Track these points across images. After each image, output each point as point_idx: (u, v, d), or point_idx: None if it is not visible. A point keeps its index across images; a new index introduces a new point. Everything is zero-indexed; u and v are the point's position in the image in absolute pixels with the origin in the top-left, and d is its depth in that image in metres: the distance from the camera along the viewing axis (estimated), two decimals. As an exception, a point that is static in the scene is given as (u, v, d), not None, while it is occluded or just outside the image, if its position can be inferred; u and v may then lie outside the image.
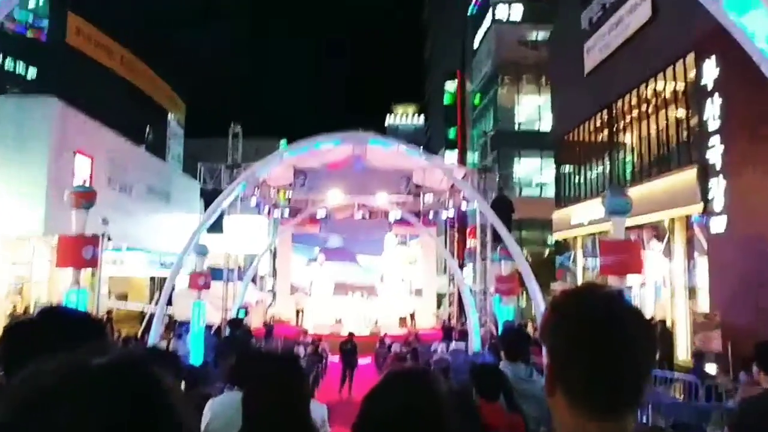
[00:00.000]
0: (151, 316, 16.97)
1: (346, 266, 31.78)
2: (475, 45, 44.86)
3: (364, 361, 21.73)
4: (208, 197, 19.44)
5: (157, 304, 16.24)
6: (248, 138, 28.59)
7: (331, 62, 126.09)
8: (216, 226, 18.19)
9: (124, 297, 27.38)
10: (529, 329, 18.49)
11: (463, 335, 23.02)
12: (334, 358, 21.14)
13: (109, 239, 18.69)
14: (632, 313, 1.33)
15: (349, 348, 18.64)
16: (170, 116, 44.11)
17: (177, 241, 21.14)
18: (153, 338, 13.09)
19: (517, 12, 39.85)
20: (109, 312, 22.28)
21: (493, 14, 40.20)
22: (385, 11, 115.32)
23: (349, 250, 31.95)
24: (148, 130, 38.45)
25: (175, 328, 20.90)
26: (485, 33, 41.97)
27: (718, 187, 15.81)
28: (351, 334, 19.88)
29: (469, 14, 47.77)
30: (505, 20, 39.73)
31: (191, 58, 49.78)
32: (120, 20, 36.84)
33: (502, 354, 5.32)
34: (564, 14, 28.70)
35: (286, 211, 29.59)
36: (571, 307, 1.36)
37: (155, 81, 41.36)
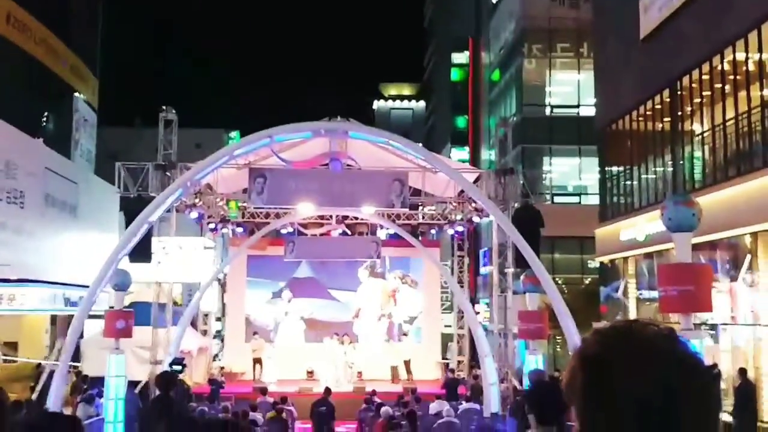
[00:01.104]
0: (51, 372, 16.92)
1: (319, 302, 31.86)
2: (494, 0, 45.24)
3: (344, 429, 21.77)
4: (131, 209, 19.39)
5: (59, 356, 16.21)
6: (187, 128, 28.68)
7: (298, 26, 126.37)
8: (142, 250, 18.20)
9: (12, 346, 27.24)
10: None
11: (476, 392, 23.14)
12: (304, 426, 21.17)
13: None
14: (692, 369, 1.44)
15: (323, 410, 18.72)
16: (78, 96, 44.05)
17: (87, 269, 21.15)
18: (53, 403, 13.08)
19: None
20: (-10, 368, 22.22)
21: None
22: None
23: (322, 282, 32.05)
24: (46, 115, 38.35)
25: (84, 388, 20.87)
26: (506, -16, 42.12)
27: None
28: (327, 391, 19.95)
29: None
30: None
31: (107, 16, 49.70)
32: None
33: (529, 417, 5.47)
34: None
35: (239, 228, 29.66)
36: (610, 356, 1.45)
37: (57, 47, 41.17)
